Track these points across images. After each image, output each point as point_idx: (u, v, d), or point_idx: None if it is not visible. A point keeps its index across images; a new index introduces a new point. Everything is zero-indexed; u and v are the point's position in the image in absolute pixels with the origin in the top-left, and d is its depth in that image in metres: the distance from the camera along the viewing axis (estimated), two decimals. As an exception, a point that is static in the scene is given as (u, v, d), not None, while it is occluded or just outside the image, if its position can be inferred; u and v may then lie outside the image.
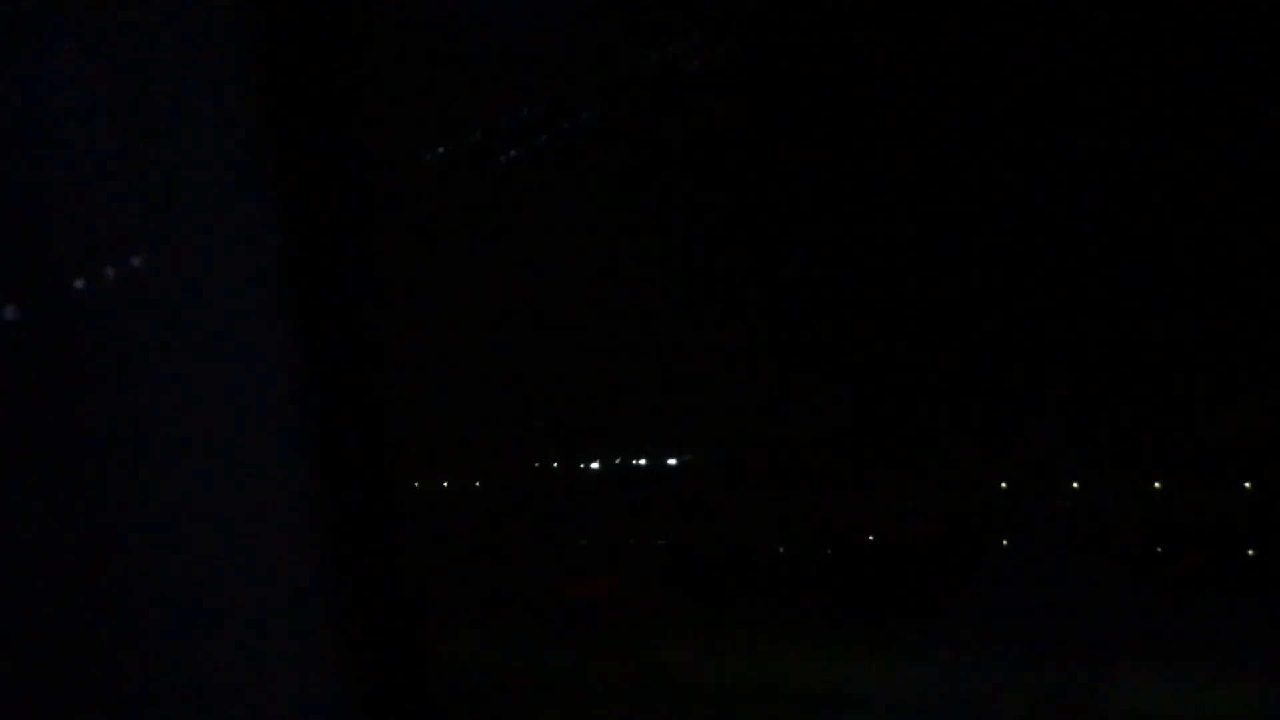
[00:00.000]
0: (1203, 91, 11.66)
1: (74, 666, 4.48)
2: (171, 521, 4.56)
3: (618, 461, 14.06)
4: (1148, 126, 11.90)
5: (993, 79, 12.22)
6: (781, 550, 13.62)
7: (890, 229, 12.93)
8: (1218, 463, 12.45)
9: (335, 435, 4.87)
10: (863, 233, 13.09)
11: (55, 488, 4.50)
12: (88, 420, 4.55)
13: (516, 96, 11.50)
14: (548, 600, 11.47)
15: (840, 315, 13.29)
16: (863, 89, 12.56)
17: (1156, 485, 12.82)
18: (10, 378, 4.54)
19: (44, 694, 4.45)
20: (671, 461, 13.94)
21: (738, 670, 9.85)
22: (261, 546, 4.68)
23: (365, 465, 5.08)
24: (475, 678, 8.80)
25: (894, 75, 12.38)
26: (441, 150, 11.02)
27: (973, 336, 12.91)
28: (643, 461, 13.98)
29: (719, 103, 12.48)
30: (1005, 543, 12.72)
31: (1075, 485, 13.04)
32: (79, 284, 4.59)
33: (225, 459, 4.62)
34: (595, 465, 14.11)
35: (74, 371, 4.54)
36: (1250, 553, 12.09)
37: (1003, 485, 13.14)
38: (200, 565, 4.57)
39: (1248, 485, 12.52)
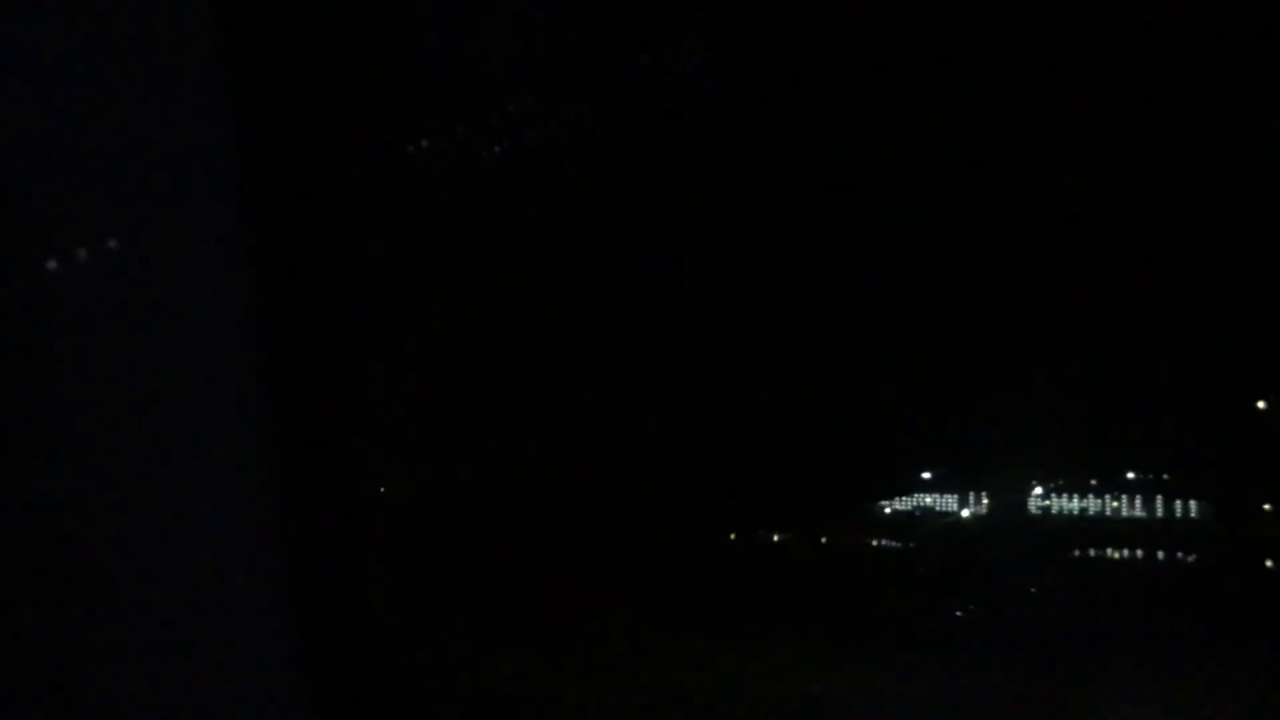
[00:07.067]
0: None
1: (35, 665, 4.47)
2: (129, 521, 4.54)
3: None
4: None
5: (999, 83, 12.10)
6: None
7: (917, 235, 12.76)
8: None
9: (296, 436, 4.86)
10: (878, 237, 12.96)
11: (12, 485, 4.45)
12: (48, 418, 4.50)
13: (506, 96, 11.42)
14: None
15: (855, 320, 13.14)
16: (862, 92, 12.47)
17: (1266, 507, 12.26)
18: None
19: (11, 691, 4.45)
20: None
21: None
22: (219, 546, 4.68)
23: (326, 466, 5.05)
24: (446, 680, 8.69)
25: (896, 78, 12.28)
26: (425, 146, 10.93)
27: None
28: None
29: (712, 105, 12.40)
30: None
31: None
32: (42, 280, 4.50)
33: (184, 458, 4.59)
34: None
35: (37, 369, 4.49)
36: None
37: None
38: (157, 565, 4.55)
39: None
